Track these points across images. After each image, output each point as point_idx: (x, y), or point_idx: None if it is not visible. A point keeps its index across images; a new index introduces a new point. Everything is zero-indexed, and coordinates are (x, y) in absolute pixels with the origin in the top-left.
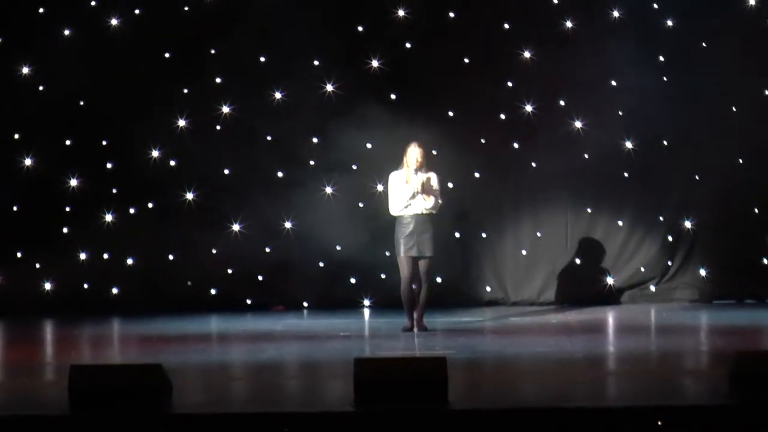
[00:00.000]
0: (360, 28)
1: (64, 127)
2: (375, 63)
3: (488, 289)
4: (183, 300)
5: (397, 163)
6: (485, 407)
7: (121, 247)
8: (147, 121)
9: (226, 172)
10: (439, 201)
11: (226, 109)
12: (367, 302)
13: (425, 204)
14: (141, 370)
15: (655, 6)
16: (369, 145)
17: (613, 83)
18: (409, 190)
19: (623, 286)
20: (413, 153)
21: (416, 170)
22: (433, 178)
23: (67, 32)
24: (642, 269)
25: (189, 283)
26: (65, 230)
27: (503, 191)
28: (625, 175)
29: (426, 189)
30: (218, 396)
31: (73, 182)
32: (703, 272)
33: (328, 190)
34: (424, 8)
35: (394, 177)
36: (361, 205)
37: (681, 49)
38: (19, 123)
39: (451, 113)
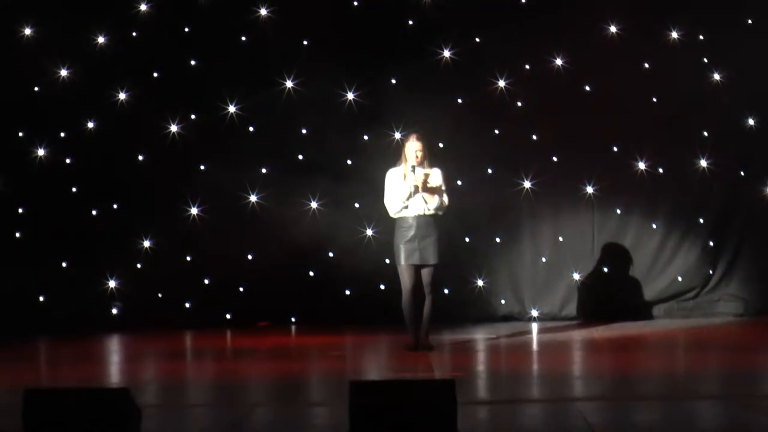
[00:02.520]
0: (355, 2)
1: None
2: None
3: (502, 301)
4: (153, 314)
5: (397, 157)
6: None
7: (81, 254)
8: (109, 112)
9: (202, 168)
10: (445, 200)
11: (203, 97)
12: (363, 317)
13: (428, 204)
14: (105, 395)
15: None
16: (366, 137)
17: (646, 65)
18: (404, 188)
19: (657, 299)
20: (412, 147)
21: (414, 166)
22: (437, 175)
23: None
24: (679, 279)
25: (159, 295)
26: (17, 234)
27: (519, 189)
28: (660, 170)
29: (427, 187)
30: (193, 425)
31: (25, 180)
32: (749, 282)
33: (320, 187)
34: None
35: (392, 174)
36: (356, 205)
37: (723, 26)
38: None
39: (459, 100)
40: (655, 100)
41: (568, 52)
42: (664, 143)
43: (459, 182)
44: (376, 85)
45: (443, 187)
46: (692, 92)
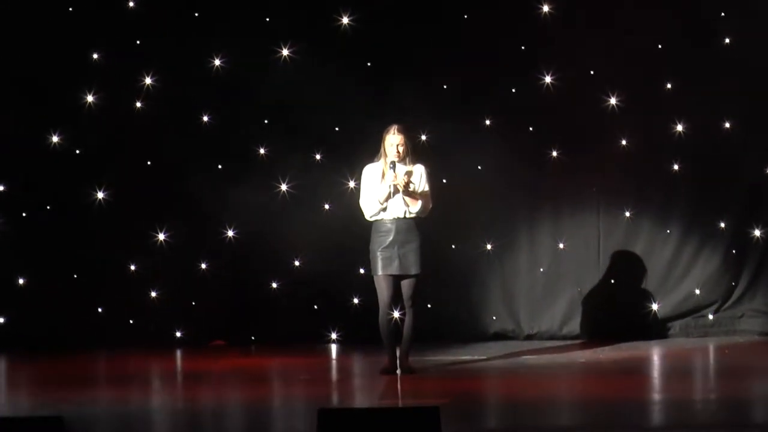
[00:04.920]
0: None
1: None
2: (345, 20)
3: (494, 317)
4: (92, 332)
5: (373, 152)
6: None
7: (9, 262)
8: (42, 96)
9: (149, 163)
10: (429, 203)
11: (148, 81)
12: (334, 335)
13: (409, 207)
14: (36, 425)
15: None
16: (337, 129)
17: (660, 46)
18: (383, 188)
19: (672, 315)
20: (392, 140)
21: (395, 163)
22: (420, 173)
23: None
24: (697, 292)
25: (99, 309)
26: None
27: (515, 189)
28: (675, 167)
29: (409, 187)
30: None
31: None
32: None
33: (284, 187)
34: None
35: (369, 171)
36: (327, 206)
37: (748, 3)
38: None
39: (445, 86)
40: (669, 86)
41: (570, 31)
42: (679, 137)
43: (444, 181)
44: (350, 67)
45: (427, 187)
46: (711, 79)
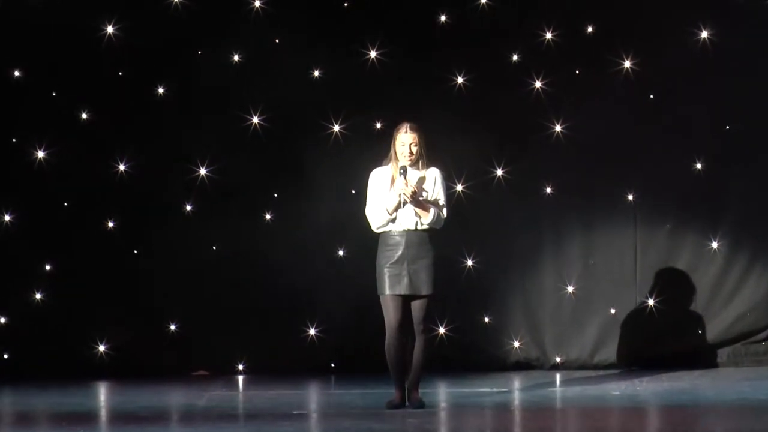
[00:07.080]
0: None
1: None
2: (344, 3)
3: (516, 344)
4: (57, 360)
5: (381, 155)
6: None
7: None
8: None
9: (122, 168)
10: (443, 213)
11: (120, 73)
12: (333, 364)
13: (421, 217)
14: None
15: None
16: (337, 128)
17: (704, 35)
18: (393, 196)
19: (719, 340)
20: (404, 140)
21: (405, 167)
22: (435, 176)
23: None
24: (748, 314)
25: (66, 335)
26: None
27: (538, 196)
28: (723, 172)
29: (420, 195)
30: None
31: None
32: None
33: (276, 194)
34: None
35: (377, 176)
36: (326, 216)
37: None
38: None
39: (460, 78)
40: (717, 79)
41: (599, 18)
42: (726, 135)
43: (459, 187)
44: (353, 58)
45: (441, 195)
46: (764, 68)
